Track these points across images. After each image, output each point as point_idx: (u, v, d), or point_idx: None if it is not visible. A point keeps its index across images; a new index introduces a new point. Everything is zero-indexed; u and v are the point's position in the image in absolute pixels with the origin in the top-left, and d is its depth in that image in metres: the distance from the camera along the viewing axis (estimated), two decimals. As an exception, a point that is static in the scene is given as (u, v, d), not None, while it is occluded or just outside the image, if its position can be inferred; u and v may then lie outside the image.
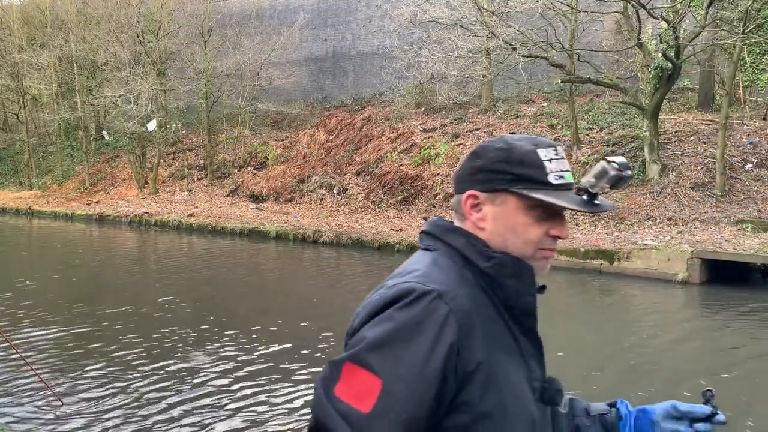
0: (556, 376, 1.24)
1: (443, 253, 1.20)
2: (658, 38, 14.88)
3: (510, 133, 1.32)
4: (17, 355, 6.08)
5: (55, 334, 7.73)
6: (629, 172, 1.18)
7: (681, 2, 14.15)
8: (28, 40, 29.90)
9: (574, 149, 16.74)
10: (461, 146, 18.67)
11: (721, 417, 1.26)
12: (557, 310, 9.27)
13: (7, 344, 6.05)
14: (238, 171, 23.68)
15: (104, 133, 29.24)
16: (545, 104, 19.82)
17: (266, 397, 5.80)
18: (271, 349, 7.20)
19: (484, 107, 20.42)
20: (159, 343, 7.38)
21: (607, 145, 16.50)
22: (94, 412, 5.42)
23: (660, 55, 14.23)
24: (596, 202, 1.17)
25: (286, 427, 5.19)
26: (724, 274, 10.91)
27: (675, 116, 16.95)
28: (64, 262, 14.43)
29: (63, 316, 8.61)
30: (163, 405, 5.58)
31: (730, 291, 10.56)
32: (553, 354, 6.69)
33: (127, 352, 7.03)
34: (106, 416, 5.34)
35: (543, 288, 1.25)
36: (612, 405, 1.38)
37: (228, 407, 5.55)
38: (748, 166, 14.39)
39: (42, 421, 5.30)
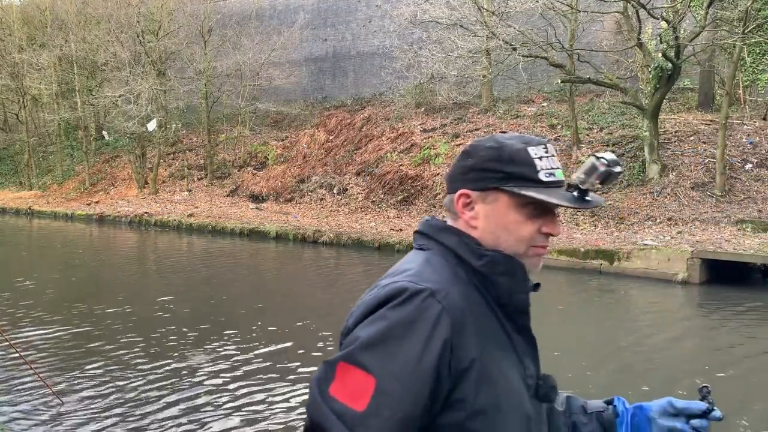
0: (554, 374, 1.24)
1: (436, 252, 1.20)
2: (658, 38, 14.88)
3: (501, 132, 1.33)
4: (17, 355, 6.08)
5: (55, 334, 7.74)
6: (619, 168, 1.18)
7: (681, 2, 14.15)
8: (28, 40, 29.92)
9: (574, 149, 16.74)
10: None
11: (717, 413, 1.26)
12: (557, 310, 9.28)
13: (7, 343, 6.05)
14: (238, 171, 23.69)
15: (104, 133, 29.25)
16: (545, 104, 19.82)
17: (265, 396, 5.80)
18: (269, 349, 7.21)
19: (484, 107, 20.42)
20: (158, 343, 7.39)
21: (607, 145, 16.49)
22: (94, 411, 5.42)
23: (660, 55, 14.23)
24: (587, 198, 1.18)
25: (285, 426, 5.19)
26: (724, 274, 10.92)
27: (675, 116, 16.94)
28: (64, 262, 14.44)
29: (62, 316, 8.61)
30: (162, 404, 5.58)
31: (730, 291, 10.56)
32: (552, 353, 6.73)
33: (127, 351, 7.04)
34: (106, 415, 5.35)
35: (537, 286, 1.26)
36: (609, 402, 1.39)
37: (226, 406, 5.56)
38: (748, 166, 14.39)
39: (41, 419, 5.30)
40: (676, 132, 16.10)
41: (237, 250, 15.99)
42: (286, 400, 5.70)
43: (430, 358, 1.05)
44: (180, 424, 5.19)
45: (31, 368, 5.83)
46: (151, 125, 24.64)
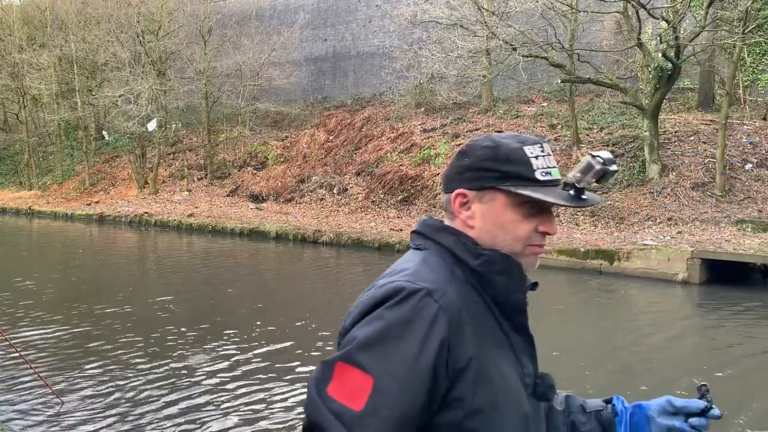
0: (553, 374, 1.24)
1: (433, 252, 1.21)
2: (658, 38, 14.88)
3: (497, 131, 1.34)
4: (16, 354, 6.08)
5: (55, 334, 7.74)
6: (614, 167, 1.19)
7: (681, 2, 14.14)
8: (28, 40, 29.92)
9: (574, 149, 16.74)
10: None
11: (715, 411, 1.27)
12: (556, 310, 9.28)
13: (7, 343, 6.05)
14: (238, 171, 23.69)
15: (104, 133, 29.25)
16: (545, 104, 19.82)
17: (264, 395, 5.81)
18: (269, 348, 7.21)
19: (484, 107, 20.42)
20: (157, 342, 7.39)
21: (607, 145, 16.49)
22: (93, 411, 5.43)
23: (660, 55, 14.22)
24: (583, 196, 1.18)
25: (284, 425, 5.20)
26: (724, 274, 10.92)
27: (675, 116, 16.94)
28: (64, 261, 14.44)
29: (62, 316, 8.62)
30: (161, 403, 5.59)
31: (730, 291, 10.56)
32: (551, 353, 6.73)
33: (126, 350, 7.04)
34: (105, 414, 5.36)
35: (535, 285, 1.26)
36: (608, 401, 1.39)
37: (226, 405, 5.56)
38: (748, 166, 14.39)
39: (41, 419, 5.31)
40: (676, 132, 16.10)
41: (237, 250, 15.99)
42: (285, 400, 5.70)
43: (428, 357, 1.05)
44: (179, 424, 5.20)
45: (31, 368, 5.83)
46: (151, 125, 24.64)
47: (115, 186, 25.87)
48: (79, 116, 27.12)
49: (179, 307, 9.31)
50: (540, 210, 1.20)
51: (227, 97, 24.51)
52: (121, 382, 6.06)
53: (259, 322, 8.34)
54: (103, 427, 5.12)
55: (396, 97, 22.22)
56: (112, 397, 5.71)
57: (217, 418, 5.29)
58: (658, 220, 13.69)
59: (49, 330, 7.88)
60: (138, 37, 24.60)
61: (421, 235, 1.25)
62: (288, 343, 7.39)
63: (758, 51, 17.12)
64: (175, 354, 6.95)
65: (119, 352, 7.00)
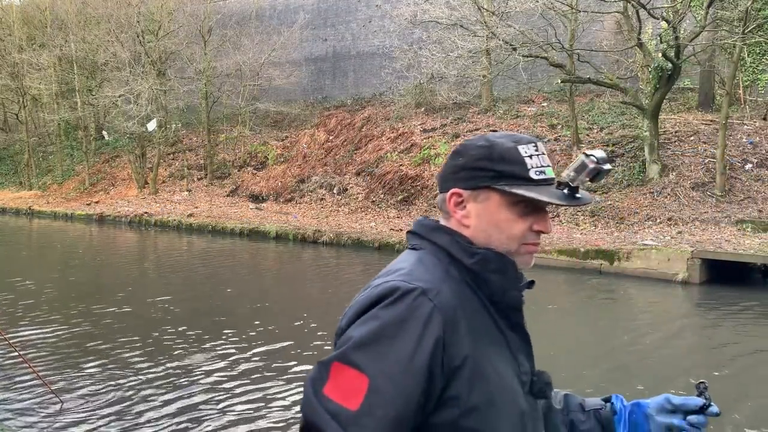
0: (551, 373, 1.24)
1: (429, 252, 1.21)
2: (658, 38, 14.88)
3: (491, 130, 1.35)
4: (16, 354, 6.08)
5: (54, 333, 7.75)
6: (608, 166, 1.19)
7: (681, 2, 14.14)
8: (28, 40, 29.93)
9: (574, 149, 16.73)
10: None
11: (714, 408, 1.27)
12: (556, 310, 9.28)
13: (6, 343, 6.05)
14: (238, 171, 23.69)
15: (104, 133, 29.25)
16: (545, 104, 19.82)
17: (262, 394, 5.82)
18: (268, 348, 7.21)
19: (484, 107, 20.42)
20: (157, 342, 7.39)
21: (607, 145, 16.49)
22: (93, 410, 5.44)
23: (660, 55, 14.22)
24: (577, 195, 1.19)
25: (283, 424, 5.20)
26: (724, 274, 10.91)
27: (675, 116, 16.94)
28: (64, 262, 14.44)
29: (62, 315, 8.62)
30: (160, 402, 5.60)
31: (730, 291, 10.56)
32: (550, 352, 6.73)
33: (125, 350, 7.05)
34: (104, 413, 5.37)
35: (531, 283, 1.26)
36: (607, 400, 1.40)
37: (224, 404, 5.57)
38: (748, 166, 14.38)
39: (40, 418, 5.32)
40: (676, 132, 16.09)
41: (237, 250, 16.00)
42: (283, 399, 5.71)
43: (423, 356, 1.06)
44: (178, 423, 5.20)
45: (30, 367, 5.83)
46: (151, 125, 24.65)
47: (115, 186, 25.87)
48: (79, 116, 27.13)
49: (178, 307, 9.31)
50: (534, 209, 1.20)
51: (227, 97, 24.51)
52: (120, 382, 6.07)
53: (257, 322, 8.34)
54: (102, 426, 5.13)
55: (396, 97, 22.22)
56: (111, 396, 5.72)
57: (215, 417, 5.30)
58: (658, 220, 13.69)
59: (48, 329, 7.88)
60: (138, 37, 24.60)
61: (417, 235, 1.26)
62: (286, 343, 7.39)
63: (758, 51, 17.11)
64: (174, 353, 6.95)
65: (118, 351, 7.00)
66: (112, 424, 5.18)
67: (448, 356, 1.08)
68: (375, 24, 24.67)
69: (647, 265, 11.43)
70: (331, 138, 22.85)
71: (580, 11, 16.30)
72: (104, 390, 5.87)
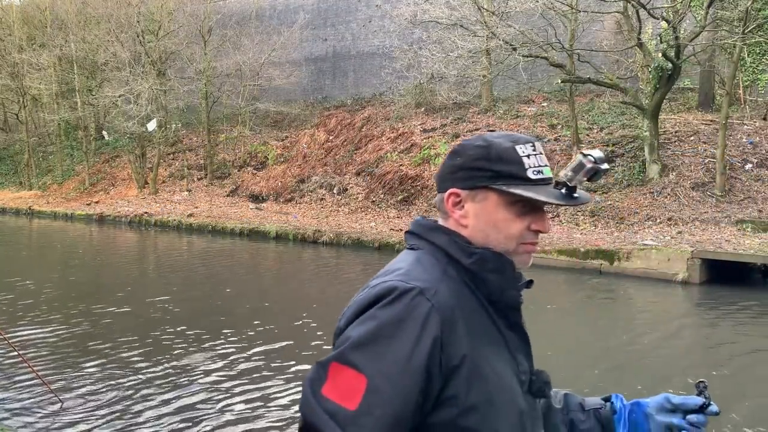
0: (550, 373, 1.24)
1: (427, 252, 1.21)
2: (658, 38, 14.87)
3: (489, 130, 1.34)
4: (15, 354, 6.08)
5: (54, 333, 7.75)
6: (606, 165, 1.19)
7: (681, 2, 14.14)
8: (28, 40, 29.93)
9: (574, 149, 16.72)
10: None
11: (713, 408, 1.28)
12: (556, 310, 9.28)
13: (6, 343, 6.04)
14: (238, 171, 23.69)
15: (104, 133, 29.26)
16: (545, 104, 19.81)
17: (261, 394, 5.82)
18: (267, 348, 7.21)
19: (484, 107, 20.42)
20: (156, 342, 7.39)
21: (608, 145, 16.49)
22: (92, 410, 5.44)
23: (660, 55, 14.22)
24: (575, 195, 1.19)
25: (282, 424, 5.20)
26: (724, 274, 10.91)
27: (675, 116, 16.94)
28: (64, 261, 14.44)
29: (61, 315, 8.62)
30: (159, 402, 5.60)
31: (730, 291, 10.56)
32: (549, 352, 6.72)
33: (125, 350, 7.05)
34: (104, 413, 5.37)
35: (530, 283, 1.27)
36: (607, 399, 1.40)
37: (223, 404, 5.57)
38: (748, 166, 14.38)
39: (40, 417, 5.32)
40: (676, 132, 16.09)
41: (237, 250, 15.99)
42: (283, 398, 5.72)
43: (420, 356, 1.06)
44: (177, 422, 5.21)
45: (30, 367, 5.82)
46: (151, 125, 24.65)
47: (115, 186, 25.87)
48: (79, 116, 27.13)
49: (178, 307, 9.31)
50: (532, 208, 1.20)
51: (227, 97, 24.51)
52: (120, 381, 6.07)
53: (257, 322, 8.34)
54: (101, 426, 5.13)
55: (396, 97, 22.22)
56: (111, 396, 5.72)
57: (214, 417, 5.30)
58: (658, 220, 13.69)
59: (48, 329, 7.89)
60: (138, 37, 24.60)
61: (415, 235, 1.26)
62: (286, 343, 7.39)
63: (758, 51, 17.11)
64: (173, 353, 6.96)
65: (118, 351, 7.01)
66: (112, 423, 5.18)
67: (446, 356, 1.08)
68: (375, 24, 24.67)
69: (647, 265, 11.43)
70: (331, 138, 22.85)
71: (580, 11, 16.30)
72: (104, 389, 5.88)
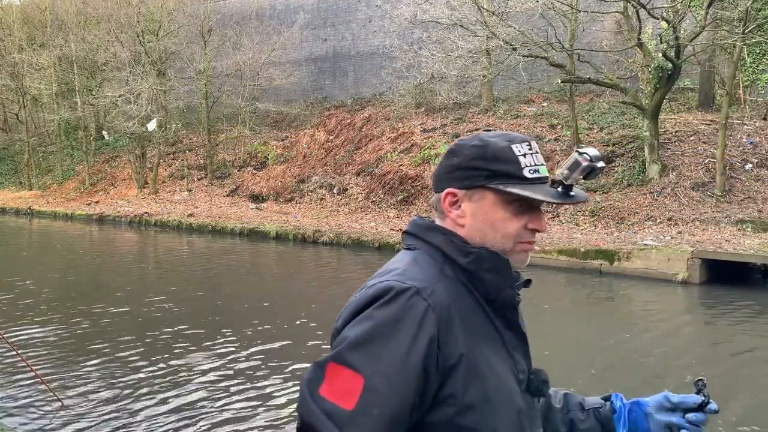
0: (550, 372, 1.24)
1: (424, 251, 1.22)
2: (658, 38, 14.87)
3: (485, 130, 1.35)
4: (15, 353, 6.08)
5: (53, 333, 7.75)
6: (601, 163, 1.20)
7: (681, 2, 14.14)
8: (28, 40, 29.93)
9: (574, 149, 16.70)
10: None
11: (713, 406, 1.28)
12: (555, 310, 9.28)
13: (5, 342, 6.05)
14: (238, 171, 23.69)
15: (104, 133, 29.26)
16: (545, 104, 19.81)
17: (260, 393, 5.83)
18: (266, 347, 7.21)
19: (484, 107, 20.41)
20: (156, 341, 7.40)
21: (608, 145, 16.49)
22: (92, 409, 5.44)
23: (660, 55, 14.21)
24: (571, 193, 1.20)
25: (281, 423, 5.20)
26: (724, 274, 10.91)
27: (675, 116, 16.93)
28: (64, 261, 14.44)
29: (61, 315, 8.63)
30: (158, 401, 5.61)
31: (729, 291, 10.55)
32: (548, 352, 6.72)
33: (125, 349, 7.06)
34: (103, 412, 5.38)
35: (528, 282, 1.27)
36: (606, 398, 1.40)
37: (222, 403, 5.57)
38: (748, 166, 14.38)
39: (39, 417, 5.32)
40: (676, 132, 16.09)
41: (237, 250, 15.99)
42: (281, 398, 5.73)
43: (417, 355, 1.06)
44: (176, 421, 5.22)
45: (29, 366, 5.83)
46: (151, 125, 24.65)
47: (115, 186, 25.88)
48: (79, 116, 27.14)
49: (178, 307, 9.31)
50: (529, 207, 1.21)
51: (227, 97, 24.51)
52: (119, 380, 6.08)
53: (256, 322, 8.34)
54: (100, 425, 5.14)
55: (396, 97, 22.21)
56: (110, 395, 5.73)
57: (213, 416, 5.31)
58: (658, 220, 13.69)
59: (47, 329, 7.89)
60: (138, 37, 24.60)
61: (412, 235, 1.26)
62: (285, 342, 7.40)
63: (758, 51, 17.11)
64: (173, 352, 6.96)
65: (117, 350, 7.01)
66: (111, 422, 5.18)
67: (442, 355, 1.08)
68: (375, 24, 24.67)
69: (647, 265, 11.43)
70: (331, 138, 22.85)
71: (580, 11, 16.29)
72: (103, 389, 5.88)
